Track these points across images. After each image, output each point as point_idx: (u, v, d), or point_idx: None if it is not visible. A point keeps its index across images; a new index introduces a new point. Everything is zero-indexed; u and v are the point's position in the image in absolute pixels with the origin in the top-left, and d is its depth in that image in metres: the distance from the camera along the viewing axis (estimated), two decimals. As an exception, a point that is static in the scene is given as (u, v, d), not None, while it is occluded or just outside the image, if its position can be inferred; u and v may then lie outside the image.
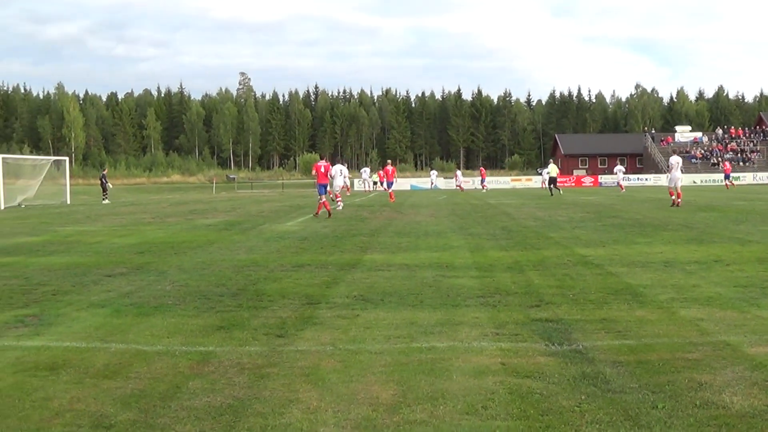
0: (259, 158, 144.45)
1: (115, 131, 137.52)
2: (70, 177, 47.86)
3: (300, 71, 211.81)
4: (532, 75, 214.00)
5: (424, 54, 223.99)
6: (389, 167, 41.18)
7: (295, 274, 10.78)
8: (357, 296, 8.80)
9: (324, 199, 24.66)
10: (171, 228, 20.45)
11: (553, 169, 44.14)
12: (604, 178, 73.55)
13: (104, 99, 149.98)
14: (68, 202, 43.61)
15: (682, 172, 29.38)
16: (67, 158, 49.80)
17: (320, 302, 8.45)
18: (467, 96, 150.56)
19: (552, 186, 43.51)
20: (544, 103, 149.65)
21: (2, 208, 36.89)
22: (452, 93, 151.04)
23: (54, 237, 18.21)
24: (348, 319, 7.51)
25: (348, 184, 35.75)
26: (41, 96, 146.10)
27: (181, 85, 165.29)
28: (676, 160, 28.47)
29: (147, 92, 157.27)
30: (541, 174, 65.97)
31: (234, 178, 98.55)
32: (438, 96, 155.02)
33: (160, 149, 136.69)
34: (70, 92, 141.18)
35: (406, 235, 16.96)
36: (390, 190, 39.01)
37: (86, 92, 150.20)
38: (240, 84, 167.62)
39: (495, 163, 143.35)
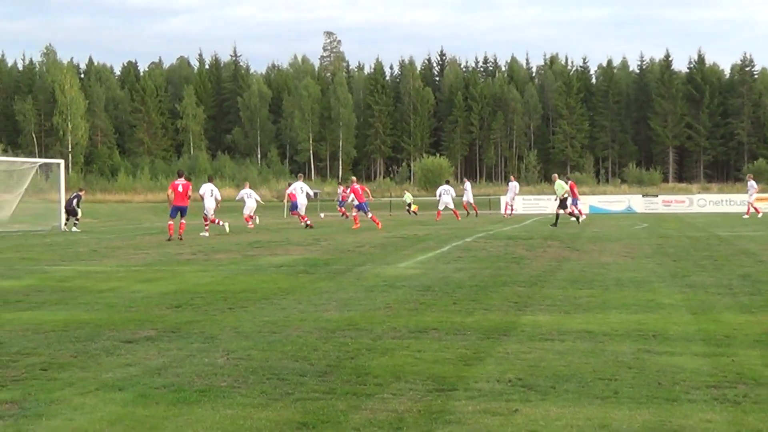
0: (354, 163, 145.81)
1: (134, 121, 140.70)
2: (67, 190, 48.55)
3: (417, 30, 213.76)
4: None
5: (608, 1, 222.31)
6: (356, 185, 45.28)
7: (414, 343, 10.78)
8: (513, 380, 8.72)
9: (176, 221, 33.11)
10: (222, 269, 20.86)
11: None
12: None
13: (117, 71, 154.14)
14: (63, 227, 44.68)
15: None
16: (61, 161, 50.49)
17: (456, 388, 8.40)
18: (680, 65, 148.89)
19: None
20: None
21: (-39, 235, 37.99)
22: (656, 61, 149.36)
23: (43, 281, 18.75)
24: (501, 417, 7.42)
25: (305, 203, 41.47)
26: (20, 66, 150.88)
27: (234, 52, 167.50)
28: None
29: (183, 62, 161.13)
30: None
31: (317, 195, 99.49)
32: (633, 66, 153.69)
33: (203, 149, 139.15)
34: (65, 60, 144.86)
35: (587, 284, 16.79)
36: (355, 215, 43.51)
37: (90, 61, 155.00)
38: (325, 50, 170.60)
39: (726, 171, 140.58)
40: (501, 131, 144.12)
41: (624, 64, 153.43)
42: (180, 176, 34.73)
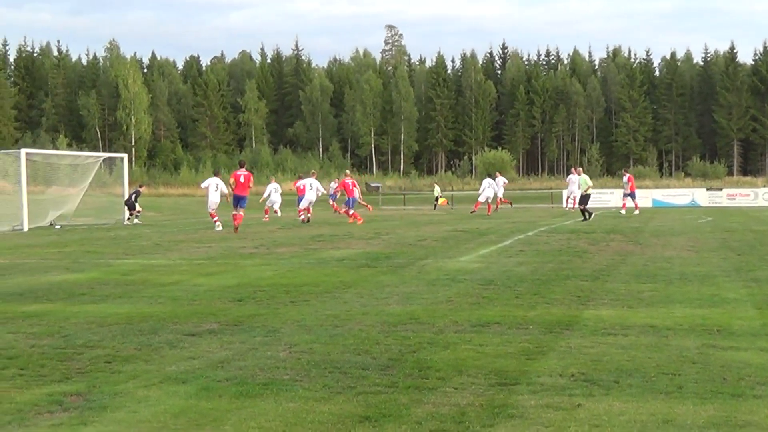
0: (416, 157, 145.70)
1: (197, 115, 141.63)
2: (130, 184, 48.96)
3: (478, 23, 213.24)
4: None
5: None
6: (348, 179, 44.72)
7: (476, 337, 10.77)
8: (576, 375, 8.69)
9: (238, 212, 34.42)
10: (284, 263, 20.94)
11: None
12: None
13: (180, 66, 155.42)
14: (126, 220, 45.31)
15: None
16: (125, 156, 51.37)
17: (518, 382, 8.38)
18: (745, 58, 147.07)
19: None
20: None
21: (26, 229, 38.48)
22: (720, 53, 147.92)
23: (107, 274, 18.98)
24: (564, 411, 7.40)
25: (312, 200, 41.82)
26: (84, 61, 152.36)
27: (296, 46, 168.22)
28: None
29: (245, 56, 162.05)
30: None
31: (378, 188, 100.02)
32: (697, 59, 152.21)
33: (266, 143, 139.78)
34: (128, 55, 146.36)
35: (651, 279, 16.68)
36: (345, 210, 43.20)
37: (153, 55, 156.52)
38: (386, 43, 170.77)
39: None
40: (563, 125, 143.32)
41: (688, 57, 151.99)
42: (241, 166, 35.91)
